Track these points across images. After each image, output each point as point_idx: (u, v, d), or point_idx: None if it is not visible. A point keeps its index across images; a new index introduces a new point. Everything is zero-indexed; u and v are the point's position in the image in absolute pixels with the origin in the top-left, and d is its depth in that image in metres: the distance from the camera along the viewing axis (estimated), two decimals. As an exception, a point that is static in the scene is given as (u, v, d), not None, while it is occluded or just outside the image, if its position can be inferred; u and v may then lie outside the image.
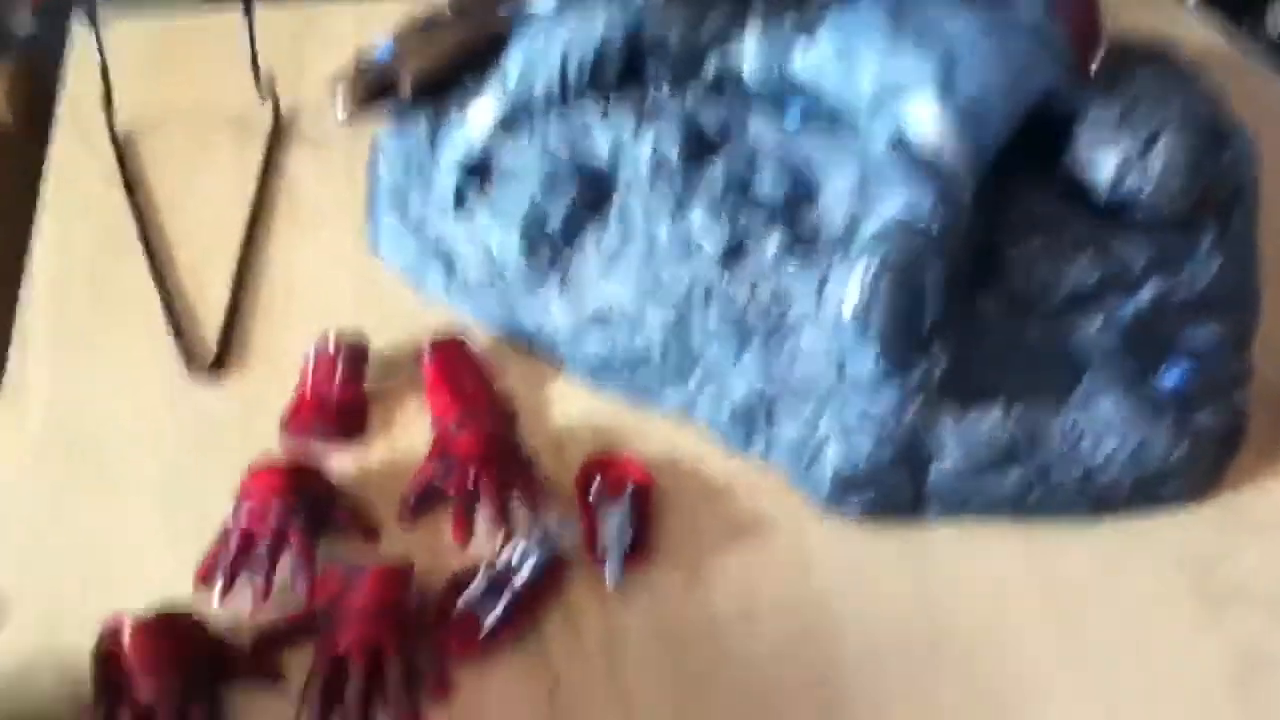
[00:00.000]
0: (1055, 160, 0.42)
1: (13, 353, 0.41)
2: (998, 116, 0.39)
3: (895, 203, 0.36)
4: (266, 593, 0.32)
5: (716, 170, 0.41)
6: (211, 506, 0.35)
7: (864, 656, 0.33)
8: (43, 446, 0.38)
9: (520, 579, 0.33)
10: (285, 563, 0.33)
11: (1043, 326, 0.38)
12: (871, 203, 0.37)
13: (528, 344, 0.42)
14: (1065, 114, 0.42)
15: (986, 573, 0.36)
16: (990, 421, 0.36)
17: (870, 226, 0.36)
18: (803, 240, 0.39)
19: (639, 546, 0.35)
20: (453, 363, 0.39)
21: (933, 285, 0.35)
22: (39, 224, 0.46)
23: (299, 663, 0.32)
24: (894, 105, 0.38)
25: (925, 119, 0.37)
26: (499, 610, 0.32)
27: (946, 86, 0.38)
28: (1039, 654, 0.34)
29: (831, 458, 0.36)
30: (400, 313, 0.43)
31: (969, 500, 0.37)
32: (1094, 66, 0.42)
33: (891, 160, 0.37)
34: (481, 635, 0.32)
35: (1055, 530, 0.37)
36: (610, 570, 0.34)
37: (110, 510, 0.31)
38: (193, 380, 0.40)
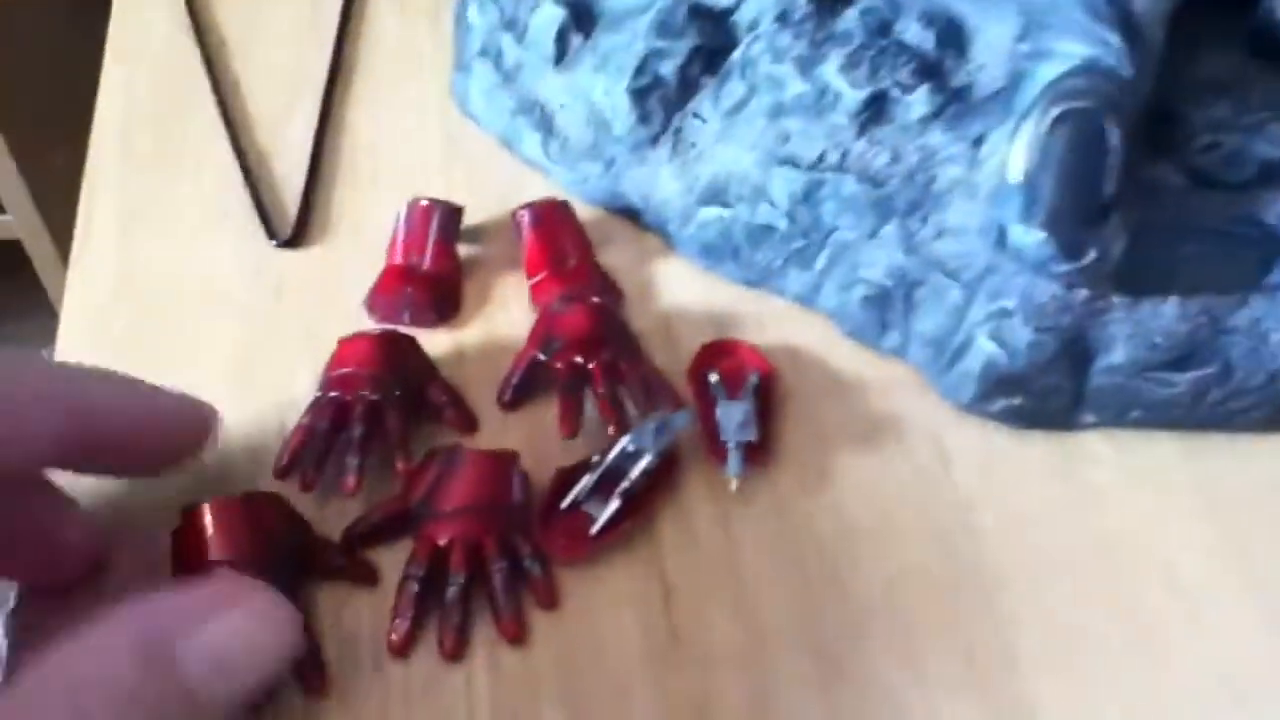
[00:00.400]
0: (1240, 14, 0.36)
1: (80, 213, 0.38)
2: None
3: (1075, 48, 0.31)
4: (358, 481, 0.29)
5: (853, 16, 0.36)
6: (292, 387, 0.32)
7: (1007, 575, 0.30)
8: (111, 317, 0.35)
9: (633, 475, 0.29)
10: (376, 448, 0.30)
11: (1228, 203, 0.33)
12: (1041, 49, 0.32)
13: (633, 216, 0.37)
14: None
15: (1146, 487, 0.32)
16: (1166, 313, 0.32)
17: (1043, 74, 0.31)
18: (953, 97, 0.34)
19: (760, 444, 0.31)
20: (554, 233, 0.35)
21: (1117, 148, 0.30)
22: (105, 73, 0.42)
23: (391, 561, 0.29)
24: (1071, -61, 0.32)
25: (1110, -45, 0.32)
26: (610, 509, 0.29)
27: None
28: (1201, 579, 0.30)
29: (980, 353, 0.32)
30: (492, 177, 0.39)
31: (1132, 404, 0.33)
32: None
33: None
34: (591, 535, 0.29)
35: (1223, 441, 0.33)
36: (732, 468, 0.30)
37: (182, 387, 0.28)
38: (271, 248, 0.36)
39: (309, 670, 0.27)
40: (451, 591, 0.28)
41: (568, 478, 0.30)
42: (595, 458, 0.30)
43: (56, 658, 0.20)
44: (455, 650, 0.27)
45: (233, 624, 0.22)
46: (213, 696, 0.21)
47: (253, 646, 0.22)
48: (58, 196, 1.02)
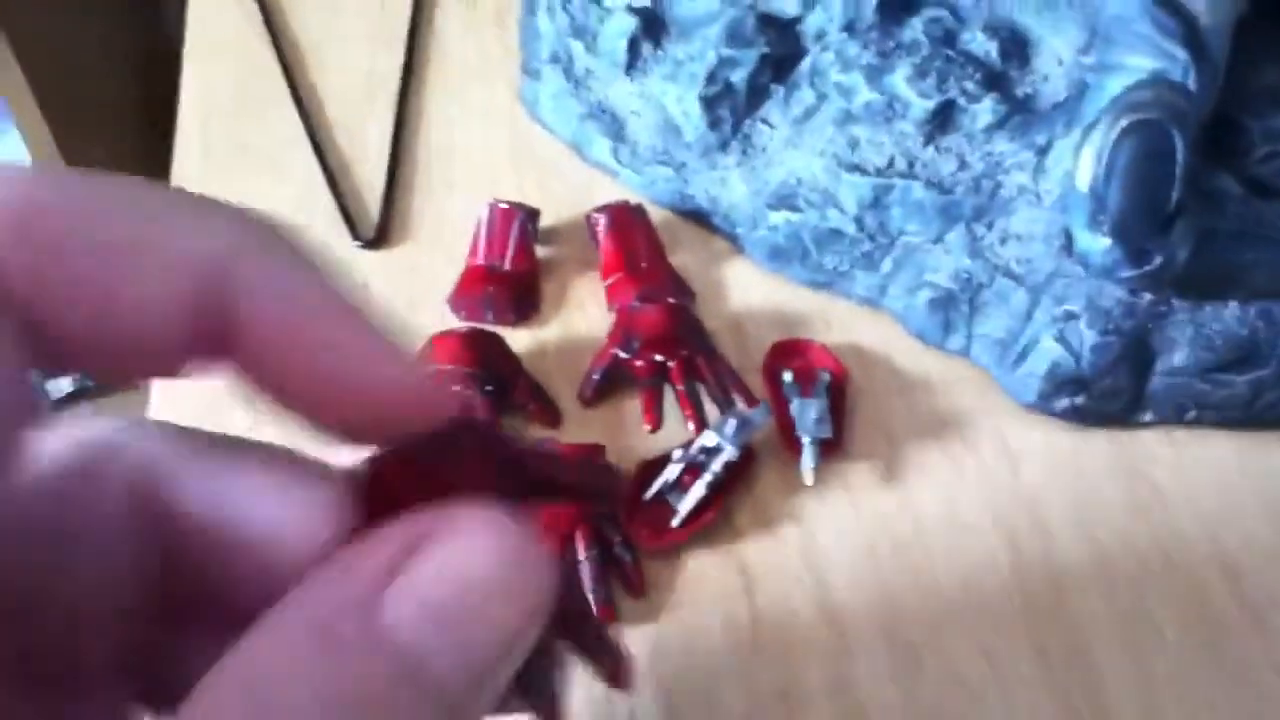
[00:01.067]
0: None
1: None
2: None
3: (1142, 62, 0.32)
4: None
5: (918, 26, 0.37)
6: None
7: (1074, 571, 0.31)
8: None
9: (714, 468, 0.31)
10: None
11: (1284, 213, 0.34)
12: (1108, 62, 0.33)
13: (701, 218, 0.39)
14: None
15: (1205, 486, 0.33)
16: (1226, 317, 0.33)
17: (1111, 86, 0.32)
18: (1018, 106, 0.35)
19: (833, 439, 0.33)
20: (628, 235, 0.36)
21: (1182, 159, 0.31)
22: (184, 75, 0.43)
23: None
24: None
25: (1174, -29, 0.33)
26: (692, 500, 0.31)
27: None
28: (1261, 579, 0.31)
29: (1046, 354, 0.33)
30: (562, 180, 0.40)
31: (1191, 404, 0.34)
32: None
33: (1137, 10, 0.32)
34: (674, 525, 0.31)
35: (1276, 440, 0.34)
36: (807, 463, 0.32)
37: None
38: (356, 249, 0.38)
39: (585, 635, 0.19)
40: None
41: (650, 470, 0.31)
42: (677, 452, 0.31)
43: (229, 669, 0.14)
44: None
45: (442, 559, 0.15)
46: (452, 668, 0.14)
47: (477, 586, 0.15)
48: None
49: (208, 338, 0.15)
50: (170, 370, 0.16)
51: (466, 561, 0.15)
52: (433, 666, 0.14)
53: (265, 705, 0.14)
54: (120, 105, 1.15)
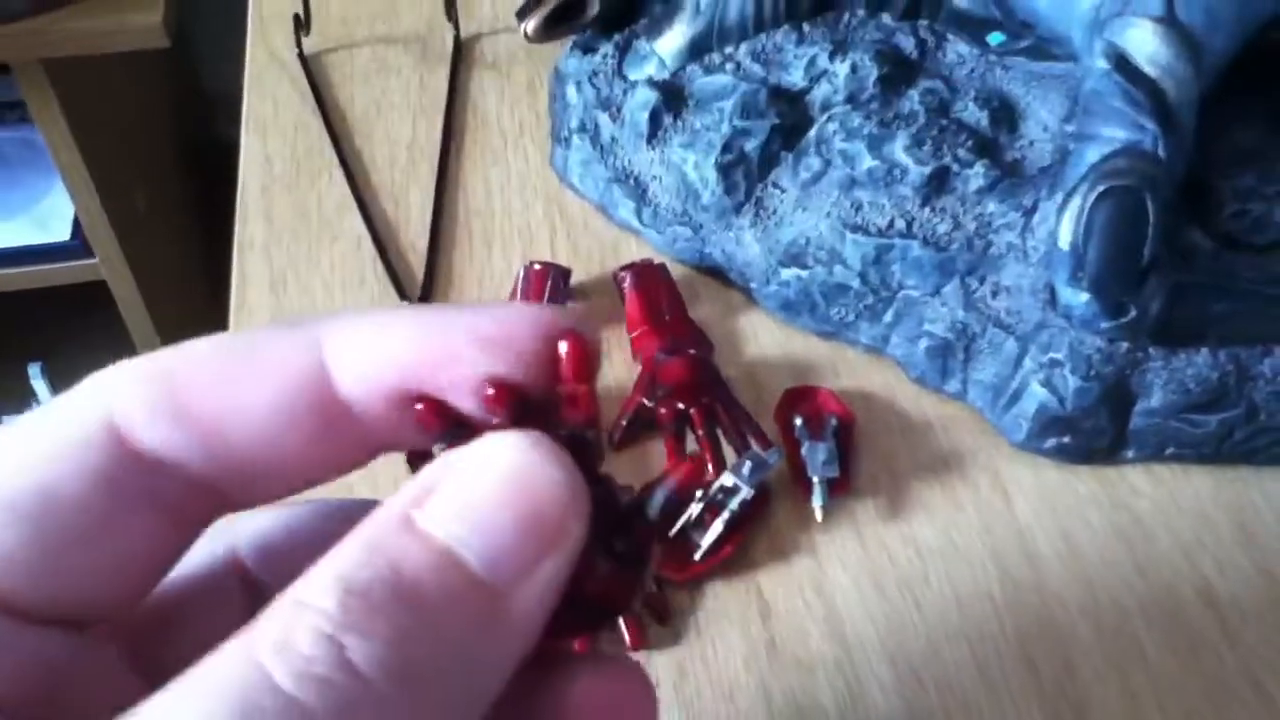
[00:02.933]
0: (1264, 90, 0.41)
1: (234, 273, 0.43)
2: (1222, 42, 0.37)
3: (1116, 133, 0.35)
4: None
5: (915, 97, 0.40)
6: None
7: (1063, 595, 0.34)
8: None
9: (732, 506, 0.34)
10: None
11: (1254, 264, 0.38)
12: (1086, 132, 0.36)
13: (719, 274, 0.42)
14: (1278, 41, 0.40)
15: (1183, 516, 0.36)
16: (1199, 362, 0.36)
17: (1089, 155, 0.35)
18: (1007, 171, 0.39)
19: (841, 479, 0.36)
20: (652, 292, 0.40)
21: (1154, 221, 0.34)
22: (243, 146, 0.47)
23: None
24: (1114, 27, 0.37)
25: (1148, 42, 0.36)
26: (712, 535, 0.34)
27: (1172, 8, 0.36)
28: (1235, 598, 0.34)
29: (1034, 398, 0.36)
30: (591, 239, 0.44)
31: (1168, 442, 0.37)
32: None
33: (1111, 86, 0.36)
34: (696, 559, 0.34)
35: (1250, 473, 0.37)
36: (817, 500, 0.35)
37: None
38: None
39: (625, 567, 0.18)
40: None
41: (672, 508, 0.35)
42: (698, 491, 0.35)
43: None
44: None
45: (465, 470, 0.16)
46: (486, 557, 0.15)
47: (498, 484, 0.16)
48: (141, 240, 1.09)
49: (332, 422, 0.17)
50: (322, 469, 0.18)
51: (488, 466, 0.16)
52: (468, 557, 0.15)
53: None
54: (160, 159, 1.20)
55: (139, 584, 0.18)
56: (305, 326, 0.18)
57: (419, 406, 0.18)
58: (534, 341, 0.18)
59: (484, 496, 0.16)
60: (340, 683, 0.14)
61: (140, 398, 0.17)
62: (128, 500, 0.17)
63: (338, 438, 0.18)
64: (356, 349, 0.17)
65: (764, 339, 0.41)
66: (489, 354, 0.17)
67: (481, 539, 0.15)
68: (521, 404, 0.17)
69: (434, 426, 0.18)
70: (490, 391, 0.17)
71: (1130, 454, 0.37)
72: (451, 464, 0.16)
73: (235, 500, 0.18)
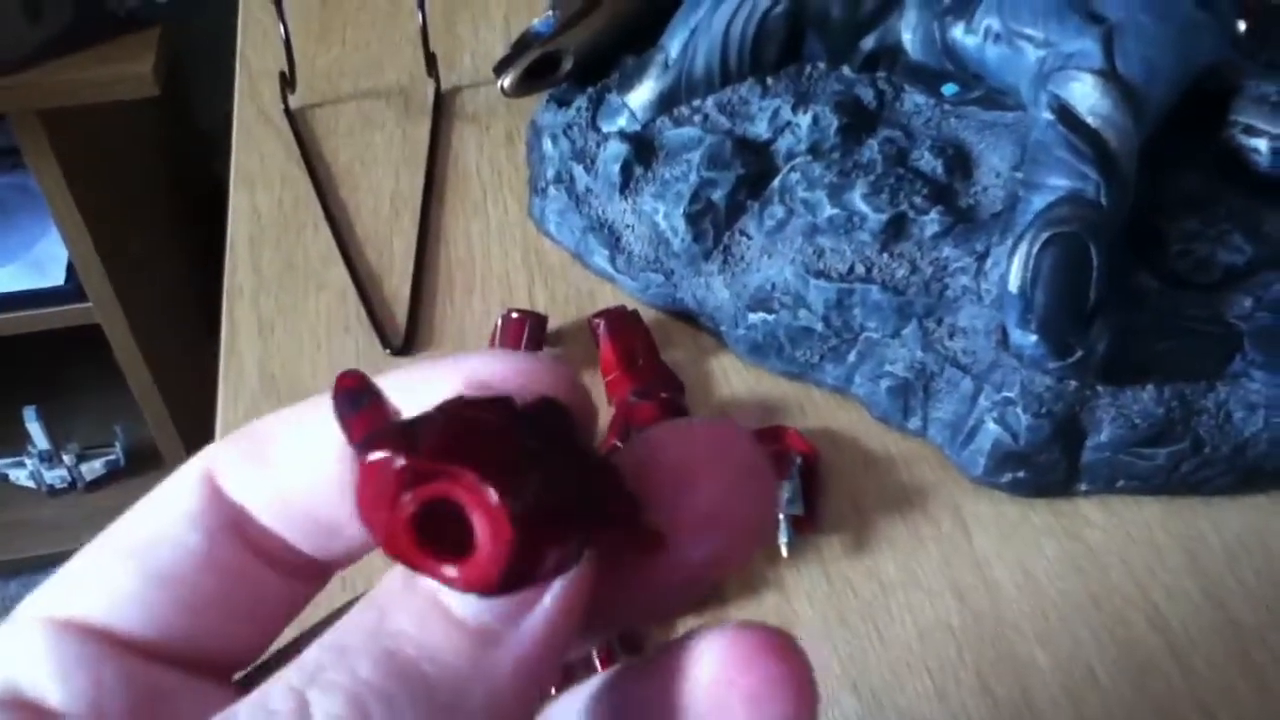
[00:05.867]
0: (1206, 136, 0.43)
1: (224, 321, 0.44)
2: (1162, 92, 0.39)
3: (1059, 180, 0.37)
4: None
5: (874, 146, 0.42)
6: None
7: (1020, 623, 0.36)
8: (259, 411, 0.41)
9: (702, 544, 0.36)
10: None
11: (1197, 304, 0.39)
12: (1033, 181, 0.38)
13: (689, 318, 0.44)
14: (1221, 89, 0.42)
15: (1134, 545, 0.38)
16: (1145, 399, 0.38)
17: (1035, 203, 0.37)
18: (961, 216, 0.40)
19: (806, 516, 0.37)
20: (625, 337, 0.42)
21: (1098, 265, 0.36)
22: (231, 198, 0.49)
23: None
24: (1057, 80, 0.39)
25: (1089, 95, 0.38)
26: (683, 572, 0.35)
27: (1112, 62, 0.38)
28: (1184, 624, 0.36)
29: (989, 434, 0.38)
30: (567, 286, 0.45)
31: (1119, 475, 0.39)
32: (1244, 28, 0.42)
33: (1055, 137, 0.38)
34: (668, 595, 0.35)
35: (1199, 504, 0.38)
36: (783, 537, 0.37)
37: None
38: (387, 356, 0.43)
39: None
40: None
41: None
42: (670, 529, 0.36)
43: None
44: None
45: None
46: (480, 610, 0.15)
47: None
48: (135, 283, 1.10)
49: None
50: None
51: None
52: (450, 600, 0.15)
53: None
54: (154, 205, 1.22)
55: (265, 632, 0.18)
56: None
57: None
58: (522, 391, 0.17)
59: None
60: None
61: (231, 453, 0.18)
62: (239, 553, 0.17)
63: None
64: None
65: (734, 380, 0.42)
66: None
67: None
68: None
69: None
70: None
71: (1083, 487, 0.39)
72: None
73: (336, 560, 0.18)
